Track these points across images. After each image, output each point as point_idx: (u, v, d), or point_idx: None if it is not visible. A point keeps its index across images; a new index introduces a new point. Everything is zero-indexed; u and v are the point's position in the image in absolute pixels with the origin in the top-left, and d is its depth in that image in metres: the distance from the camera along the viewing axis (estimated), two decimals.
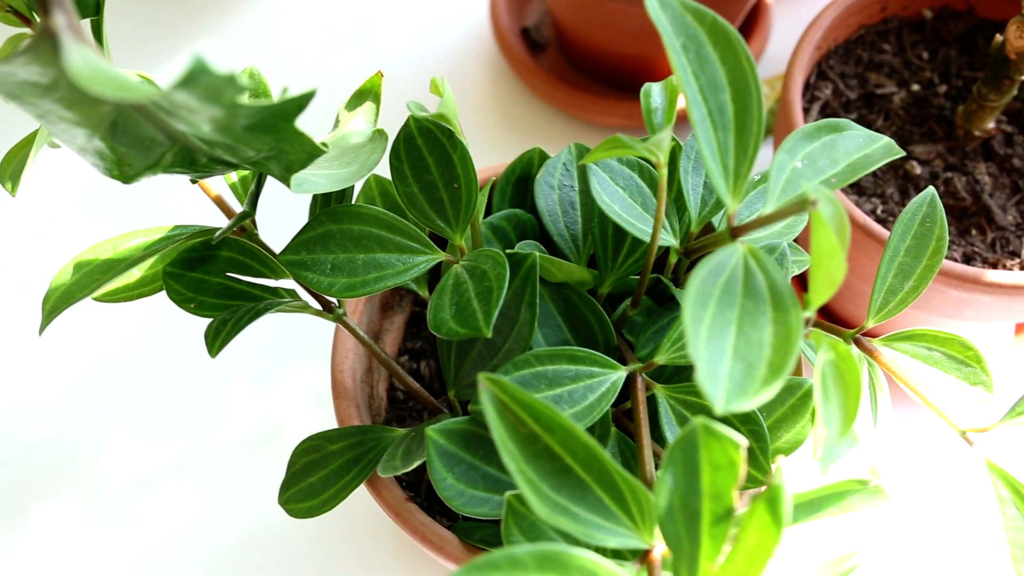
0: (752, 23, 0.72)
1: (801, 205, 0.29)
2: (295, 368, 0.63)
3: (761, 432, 0.37)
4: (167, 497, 0.59)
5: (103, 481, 0.60)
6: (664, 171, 0.34)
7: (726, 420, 0.37)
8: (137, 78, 0.40)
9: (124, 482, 0.60)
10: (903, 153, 0.36)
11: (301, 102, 0.30)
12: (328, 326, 0.62)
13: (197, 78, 0.24)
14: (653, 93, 0.36)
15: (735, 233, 0.33)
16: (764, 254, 0.31)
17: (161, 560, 0.57)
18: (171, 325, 0.65)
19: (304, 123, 0.30)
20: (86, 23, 0.41)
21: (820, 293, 0.30)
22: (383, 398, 0.49)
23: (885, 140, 0.37)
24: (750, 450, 0.37)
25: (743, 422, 0.37)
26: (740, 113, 0.32)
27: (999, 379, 0.61)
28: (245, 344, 0.64)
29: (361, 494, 0.58)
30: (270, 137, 0.32)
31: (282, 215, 0.54)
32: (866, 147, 0.37)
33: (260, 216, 0.46)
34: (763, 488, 0.34)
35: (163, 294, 0.42)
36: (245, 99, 0.27)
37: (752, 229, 0.33)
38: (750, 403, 0.28)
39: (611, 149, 0.34)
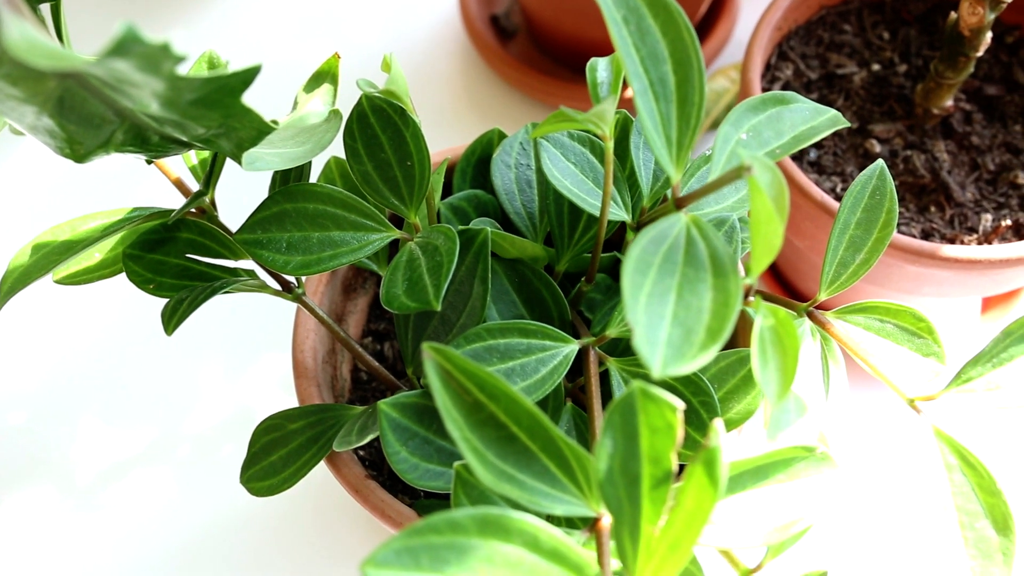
0: (719, 7, 0.72)
1: (738, 172, 0.30)
2: (266, 354, 0.64)
3: (711, 403, 0.38)
4: (140, 483, 0.60)
5: (76, 468, 0.60)
6: (610, 143, 0.35)
7: (676, 391, 0.38)
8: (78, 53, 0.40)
9: (97, 469, 0.60)
10: (848, 124, 0.37)
11: (246, 76, 0.30)
12: None
13: (128, 46, 0.24)
14: (599, 68, 0.37)
15: (680, 203, 0.34)
16: (707, 224, 0.31)
17: (135, 545, 0.58)
18: (142, 312, 0.65)
19: (271, 109, 0.31)
20: (45, 8, 0.41)
21: (760, 259, 0.31)
22: (347, 379, 0.49)
23: (831, 112, 0.38)
24: (701, 421, 0.38)
25: (694, 393, 0.38)
26: (682, 84, 0.33)
27: (964, 356, 0.62)
28: (216, 330, 0.64)
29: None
30: (217, 113, 0.32)
31: (243, 197, 0.54)
32: (812, 119, 0.37)
33: (222, 198, 0.46)
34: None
35: (126, 281, 0.42)
36: (183, 70, 0.27)
37: (696, 199, 0.33)
38: (688, 366, 0.28)
39: (557, 123, 0.34)
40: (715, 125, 0.69)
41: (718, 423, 0.28)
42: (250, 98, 0.31)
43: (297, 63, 0.77)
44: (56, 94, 0.31)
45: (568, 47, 0.71)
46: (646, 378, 0.38)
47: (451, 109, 0.74)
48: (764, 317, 0.31)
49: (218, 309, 0.63)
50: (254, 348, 0.64)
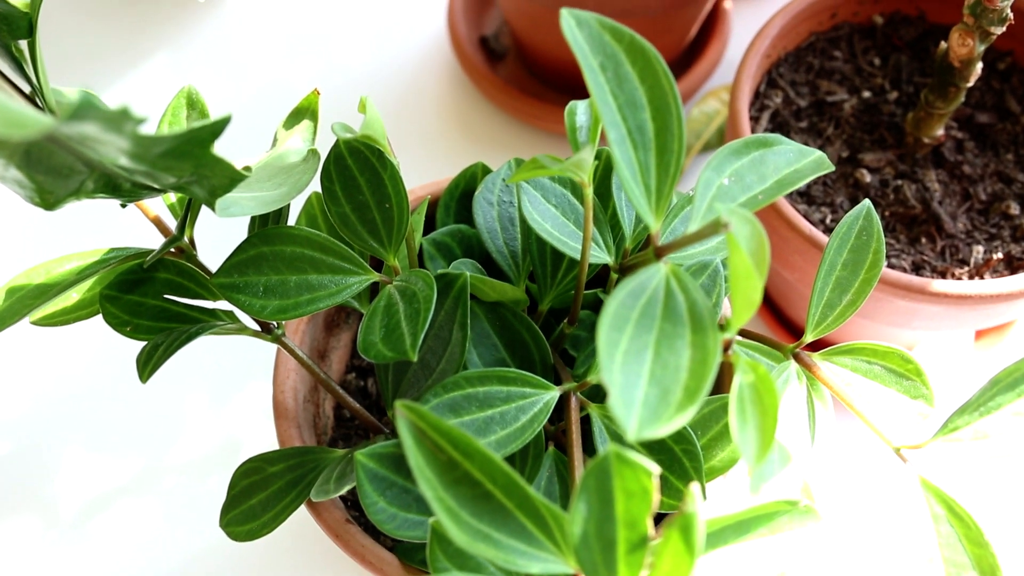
0: (710, 29, 0.71)
1: (715, 227, 0.29)
2: (252, 384, 0.63)
3: (694, 451, 0.37)
4: (124, 515, 0.59)
5: (61, 499, 0.60)
6: (589, 189, 0.34)
7: (658, 439, 0.37)
8: (33, 110, 0.39)
9: (82, 500, 0.60)
10: (832, 168, 0.36)
11: (215, 128, 0.30)
12: None
13: (85, 114, 0.24)
14: (578, 111, 0.36)
15: (659, 252, 0.33)
16: (686, 275, 0.31)
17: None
18: (126, 342, 0.65)
19: (259, 131, 0.30)
20: (24, 44, 0.40)
21: (740, 315, 0.30)
22: (330, 416, 0.49)
23: (816, 155, 0.37)
24: (684, 469, 0.37)
25: (676, 441, 0.37)
26: (660, 132, 0.32)
27: (959, 386, 0.61)
28: (201, 360, 0.64)
29: None
30: (188, 164, 0.31)
31: (224, 233, 0.54)
32: (796, 162, 0.37)
33: (203, 235, 0.45)
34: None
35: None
36: (144, 129, 0.27)
37: (675, 249, 0.32)
38: (664, 429, 0.27)
39: (533, 170, 0.33)
40: (707, 148, 0.68)
41: (695, 487, 0.28)
42: (234, 123, 0.30)
43: (284, 85, 0.76)
44: (22, 148, 0.31)
45: (557, 69, 0.70)
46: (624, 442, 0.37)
47: (439, 131, 0.73)
48: (744, 373, 0.31)
49: (202, 341, 0.63)
50: (239, 378, 0.63)
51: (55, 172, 0.32)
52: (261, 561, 0.57)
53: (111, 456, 0.61)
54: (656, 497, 0.27)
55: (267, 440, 0.61)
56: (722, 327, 0.31)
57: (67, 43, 0.77)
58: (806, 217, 0.52)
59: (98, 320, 0.64)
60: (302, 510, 0.57)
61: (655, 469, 0.27)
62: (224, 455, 0.61)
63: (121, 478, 0.60)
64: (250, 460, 0.42)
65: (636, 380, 0.28)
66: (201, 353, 0.63)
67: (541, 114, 0.69)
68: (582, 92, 0.71)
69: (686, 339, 0.29)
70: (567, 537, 0.30)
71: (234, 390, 0.63)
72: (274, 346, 0.63)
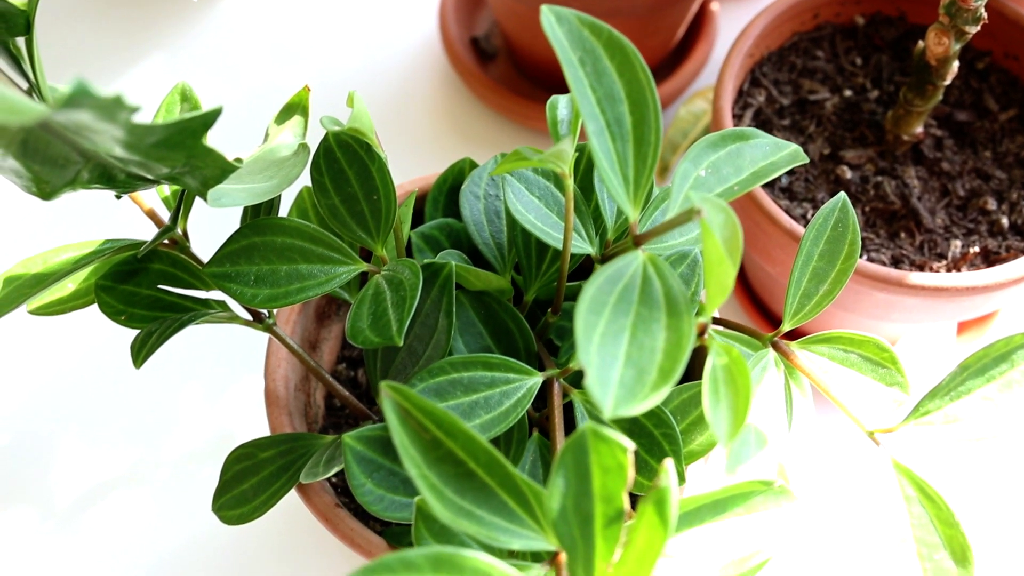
0: (697, 29, 0.73)
1: (689, 215, 0.30)
2: (245, 376, 0.64)
3: (674, 435, 0.38)
4: (119, 506, 0.60)
5: (56, 491, 0.61)
6: (569, 180, 0.35)
7: (639, 423, 0.38)
8: (27, 98, 0.40)
9: (77, 491, 0.61)
10: (807, 160, 0.37)
11: (207, 119, 0.31)
12: None
13: (80, 100, 0.25)
14: (559, 105, 0.37)
15: (638, 241, 0.34)
16: (663, 262, 0.32)
17: (114, 568, 0.58)
18: (120, 335, 0.66)
19: (251, 131, 0.31)
20: (21, 42, 0.41)
21: (713, 300, 0.31)
22: (320, 405, 0.50)
23: (791, 148, 0.38)
24: (664, 452, 0.38)
25: (656, 425, 0.38)
26: (638, 124, 0.33)
27: (939, 378, 0.62)
28: (195, 353, 0.65)
29: None
30: (180, 154, 0.32)
31: (217, 225, 0.55)
32: (772, 155, 0.38)
33: (196, 227, 0.46)
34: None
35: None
36: (138, 118, 0.28)
37: (652, 237, 0.34)
38: (640, 407, 0.28)
39: (515, 162, 0.35)
40: None
41: (669, 463, 0.29)
42: (229, 122, 0.31)
43: (276, 86, 0.77)
44: (20, 137, 0.31)
45: (547, 69, 0.72)
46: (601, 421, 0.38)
47: (431, 131, 0.74)
48: (717, 355, 0.32)
49: (196, 332, 0.64)
50: (233, 370, 0.64)
51: (51, 162, 0.33)
52: (254, 550, 0.58)
53: (106, 447, 0.62)
54: (631, 473, 0.28)
55: (259, 432, 0.62)
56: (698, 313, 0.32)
57: (62, 43, 0.78)
58: (788, 212, 0.53)
59: (92, 314, 0.65)
60: (294, 501, 0.58)
61: (630, 445, 0.28)
62: (217, 446, 0.62)
63: (115, 469, 0.61)
64: (242, 446, 0.43)
65: (612, 361, 0.29)
66: (195, 346, 0.64)
67: (531, 113, 0.70)
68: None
69: (662, 322, 0.31)
70: (547, 513, 0.31)
71: (227, 382, 0.64)
72: (266, 339, 0.64)
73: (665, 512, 0.28)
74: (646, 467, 0.39)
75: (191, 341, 0.64)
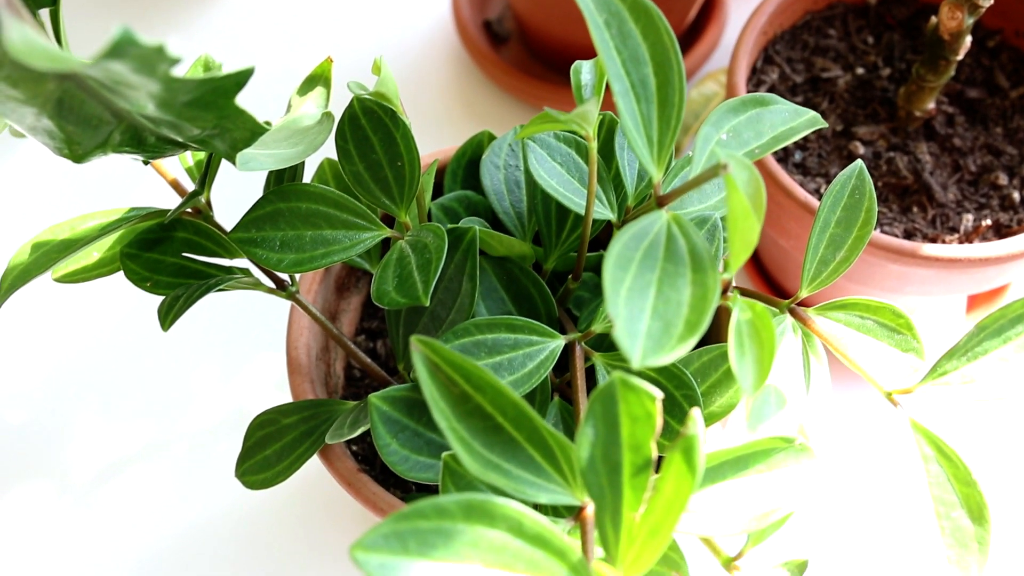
0: (708, 13, 0.73)
1: (715, 170, 0.31)
2: (260, 354, 0.64)
3: (694, 396, 0.39)
4: (136, 481, 0.61)
5: (73, 466, 0.61)
6: (593, 143, 0.36)
7: (660, 385, 0.39)
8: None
9: (94, 467, 0.61)
10: (825, 125, 0.38)
11: (239, 79, 0.31)
12: None
13: (124, 48, 0.25)
14: (583, 70, 0.38)
15: (661, 202, 0.35)
16: (687, 221, 0.32)
17: (131, 542, 0.59)
18: (137, 313, 0.66)
19: (264, 114, 0.32)
20: (44, 14, 0.42)
21: (737, 255, 0.32)
22: (340, 376, 0.50)
23: (810, 114, 0.39)
24: (684, 413, 0.39)
25: (677, 387, 0.39)
26: (662, 86, 0.34)
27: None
28: (211, 331, 0.65)
29: (328, 473, 0.59)
30: (212, 114, 0.33)
31: (237, 198, 0.55)
32: (791, 120, 0.38)
33: (217, 199, 0.47)
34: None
35: (125, 282, 0.43)
36: (178, 72, 0.28)
37: (677, 196, 0.34)
38: (667, 358, 0.29)
39: (542, 124, 0.35)
40: None
41: (696, 412, 0.29)
42: (242, 102, 0.32)
43: (291, 68, 0.78)
44: (55, 96, 0.32)
45: (559, 52, 0.72)
46: (630, 371, 0.39)
47: (444, 113, 0.75)
48: (741, 311, 0.32)
49: (213, 310, 0.64)
50: (248, 348, 0.65)
51: (85, 122, 0.34)
52: (270, 524, 0.59)
53: (123, 425, 0.63)
54: (660, 422, 0.29)
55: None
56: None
57: (76, 26, 0.78)
58: (801, 187, 0.54)
59: (112, 292, 0.66)
60: (310, 477, 0.59)
61: (659, 394, 0.29)
62: (232, 424, 0.62)
63: (133, 446, 0.62)
64: (265, 412, 0.43)
65: (640, 314, 0.30)
66: (210, 325, 0.65)
67: (543, 94, 0.70)
68: None
69: (687, 278, 0.31)
70: (574, 469, 0.32)
71: (242, 361, 0.64)
72: (280, 317, 0.65)
73: (693, 460, 0.28)
74: (667, 428, 0.39)
75: (207, 322, 0.64)
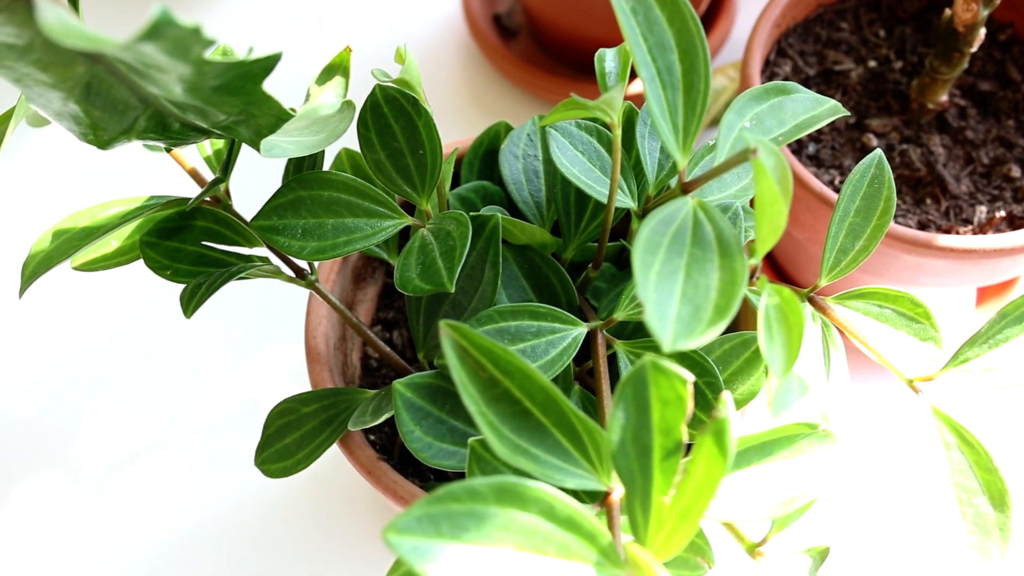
0: (718, 6, 0.73)
1: (744, 155, 0.31)
2: (273, 346, 0.64)
3: (717, 383, 0.39)
4: (148, 472, 0.61)
5: (85, 457, 0.61)
6: (618, 131, 0.36)
7: None
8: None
9: (106, 458, 0.61)
10: (847, 113, 0.38)
11: (267, 64, 0.31)
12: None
13: (162, 29, 0.25)
14: (607, 58, 0.38)
15: (686, 188, 0.35)
16: (713, 207, 0.32)
17: (143, 533, 0.59)
18: (152, 304, 0.66)
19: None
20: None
21: (765, 240, 0.32)
22: (357, 366, 0.50)
23: (831, 102, 0.39)
24: (707, 401, 0.39)
25: (699, 374, 0.39)
26: (688, 72, 0.34)
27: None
28: (226, 322, 0.65)
29: (343, 465, 0.59)
30: (239, 99, 0.33)
31: (256, 188, 0.55)
32: (813, 108, 0.38)
33: (235, 189, 0.47)
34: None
35: (143, 272, 0.43)
36: (211, 55, 0.28)
37: (702, 183, 0.34)
38: (697, 341, 0.29)
39: (567, 110, 0.35)
40: (714, 122, 0.70)
41: (727, 396, 0.29)
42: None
43: (302, 62, 0.78)
44: (84, 80, 0.32)
45: (569, 45, 0.72)
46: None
47: (455, 107, 0.75)
48: (769, 296, 0.32)
49: (227, 302, 0.64)
50: (261, 340, 0.65)
51: (111, 107, 0.34)
52: (283, 517, 0.59)
53: (135, 416, 0.63)
54: (690, 405, 0.29)
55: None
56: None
57: (88, 19, 0.78)
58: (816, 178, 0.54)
59: (126, 285, 0.66)
60: (324, 470, 0.59)
61: (690, 377, 0.29)
62: (245, 416, 0.62)
63: (145, 437, 0.62)
64: (285, 401, 0.43)
65: (669, 298, 0.30)
66: (224, 316, 0.65)
67: (553, 88, 0.70)
68: (592, 67, 0.73)
69: (715, 263, 0.31)
70: (601, 454, 0.32)
71: (255, 352, 0.64)
72: (295, 309, 0.65)
73: (724, 443, 0.29)
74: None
75: (220, 311, 0.64)
